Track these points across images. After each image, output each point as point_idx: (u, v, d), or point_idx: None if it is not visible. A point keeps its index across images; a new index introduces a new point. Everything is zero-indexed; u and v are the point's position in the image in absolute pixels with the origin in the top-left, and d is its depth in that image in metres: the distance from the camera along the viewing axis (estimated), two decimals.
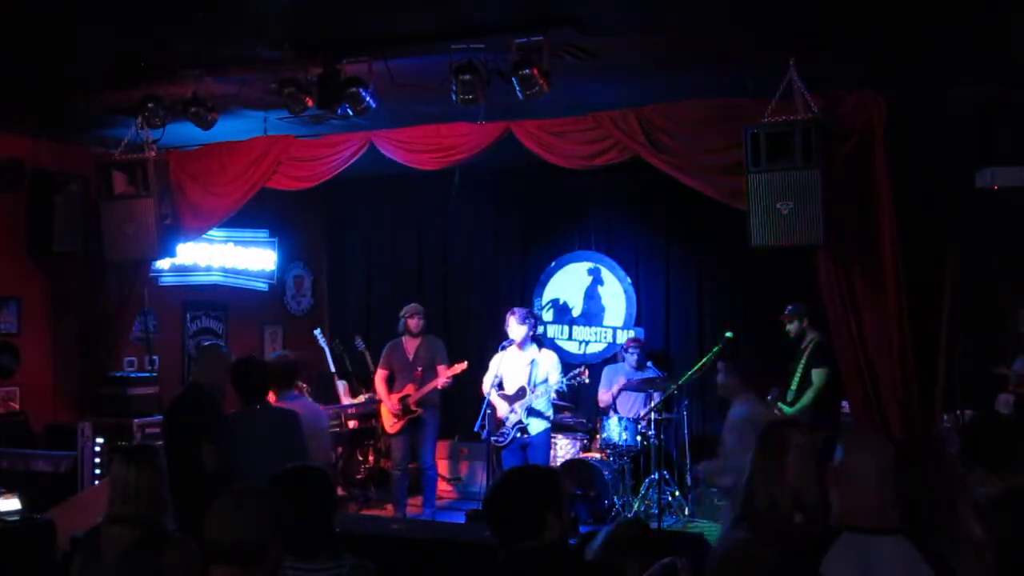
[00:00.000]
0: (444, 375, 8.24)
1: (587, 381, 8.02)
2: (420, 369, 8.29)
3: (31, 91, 6.70)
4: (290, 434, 5.39)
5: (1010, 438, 3.68)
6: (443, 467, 9.39)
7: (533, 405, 7.77)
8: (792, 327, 7.78)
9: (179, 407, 5.55)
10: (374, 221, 10.87)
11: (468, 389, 9.20)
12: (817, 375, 7.44)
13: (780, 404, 7.56)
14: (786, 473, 3.25)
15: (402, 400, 8.28)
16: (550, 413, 7.95)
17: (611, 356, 9.59)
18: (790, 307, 7.76)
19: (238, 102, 6.69)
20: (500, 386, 7.89)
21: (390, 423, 8.40)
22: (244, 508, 2.85)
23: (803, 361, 7.61)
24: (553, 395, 7.93)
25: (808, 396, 7.47)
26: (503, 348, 7.84)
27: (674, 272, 9.64)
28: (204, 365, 5.80)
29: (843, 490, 2.91)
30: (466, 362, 8.36)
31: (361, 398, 9.29)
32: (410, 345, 8.42)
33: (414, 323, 8.37)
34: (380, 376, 8.49)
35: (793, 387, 7.63)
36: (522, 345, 7.84)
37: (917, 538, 2.85)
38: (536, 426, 7.80)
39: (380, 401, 8.54)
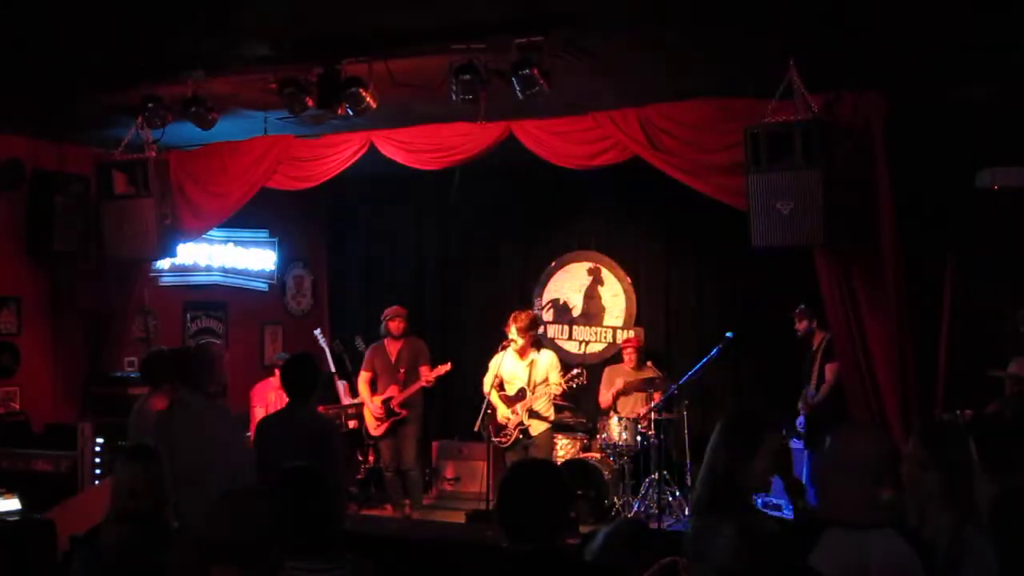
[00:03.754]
0: (427, 376, 8.25)
1: (585, 382, 8.02)
2: (403, 371, 8.32)
3: (31, 91, 6.70)
4: (313, 443, 4.99)
5: (1009, 438, 3.68)
6: (444, 467, 9.40)
7: (533, 407, 7.76)
8: (801, 326, 7.86)
9: None
10: (374, 221, 10.86)
11: (467, 389, 9.19)
12: (831, 371, 7.49)
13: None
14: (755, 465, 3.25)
15: (385, 402, 8.32)
16: (551, 414, 7.93)
17: (612, 356, 9.59)
18: (802, 306, 7.82)
19: (238, 102, 6.69)
20: (500, 387, 7.88)
21: (373, 425, 8.44)
22: (244, 508, 2.85)
23: (818, 359, 7.67)
24: (555, 394, 7.89)
25: (823, 391, 7.57)
26: (503, 348, 7.83)
27: (674, 272, 9.64)
28: (196, 366, 5.68)
29: (831, 483, 2.91)
30: (450, 363, 8.41)
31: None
32: (392, 347, 8.44)
33: (395, 325, 8.39)
34: (363, 379, 8.53)
35: (812, 386, 7.68)
36: (522, 346, 7.82)
37: (905, 532, 2.85)
38: (537, 427, 7.79)
39: (362, 404, 8.56)
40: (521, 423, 7.74)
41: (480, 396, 7.91)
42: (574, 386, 7.90)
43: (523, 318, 7.77)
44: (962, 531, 3.00)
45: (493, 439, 7.84)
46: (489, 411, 7.76)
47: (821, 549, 2.74)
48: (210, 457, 4.95)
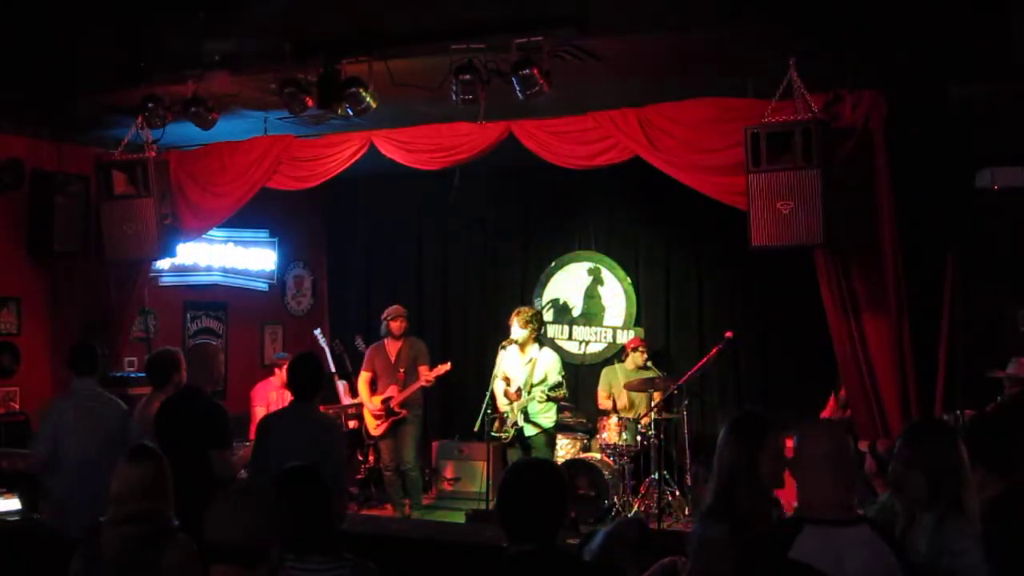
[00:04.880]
0: (426, 376, 8.25)
1: (566, 394, 8.02)
2: (403, 371, 8.32)
3: (31, 91, 6.70)
4: (316, 442, 4.98)
5: (1009, 438, 3.67)
6: (444, 467, 9.40)
7: (528, 408, 7.73)
8: None
9: (177, 412, 5.39)
10: (374, 221, 10.86)
11: (467, 389, 9.21)
12: None
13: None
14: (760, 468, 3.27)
15: (384, 402, 8.31)
16: (547, 420, 7.79)
17: (612, 356, 9.58)
18: None
19: (238, 102, 6.69)
20: (508, 383, 7.89)
21: (373, 425, 8.44)
22: (244, 508, 2.85)
23: None
24: (546, 396, 7.80)
25: None
26: (504, 348, 7.82)
27: (674, 272, 9.64)
28: (194, 366, 5.61)
29: (801, 481, 2.92)
30: (449, 363, 8.39)
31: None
32: (392, 347, 8.44)
33: (396, 325, 8.38)
34: (363, 379, 8.52)
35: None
36: (524, 345, 7.81)
37: (878, 528, 2.86)
38: (530, 430, 7.76)
39: (362, 404, 8.56)
40: (516, 423, 7.74)
41: (480, 396, 7.90)
42: (557, 399, 7.85)
43: (525, 311, 7.85)
44: (941, 531, 2.99)
45: (493, 432, 7.82)
46: (489, 409, 7.75)
47: (797, 548, 2.74)
48: (98, 446, 5.27)
